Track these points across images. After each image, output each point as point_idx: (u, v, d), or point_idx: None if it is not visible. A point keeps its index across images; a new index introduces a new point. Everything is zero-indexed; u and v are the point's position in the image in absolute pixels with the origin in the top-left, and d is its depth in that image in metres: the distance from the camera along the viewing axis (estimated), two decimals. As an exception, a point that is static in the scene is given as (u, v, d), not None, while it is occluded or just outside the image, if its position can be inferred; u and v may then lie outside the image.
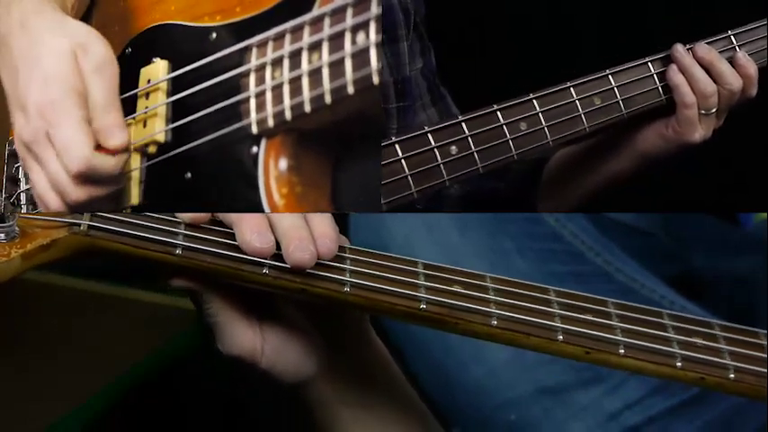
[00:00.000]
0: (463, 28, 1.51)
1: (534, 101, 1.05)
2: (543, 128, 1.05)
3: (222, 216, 0.89)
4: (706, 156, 1.41)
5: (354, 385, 0.96)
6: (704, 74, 1.10)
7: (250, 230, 0.87)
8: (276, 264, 0.87)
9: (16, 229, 0.86)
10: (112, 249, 0.87)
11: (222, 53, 0.98)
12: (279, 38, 0.93)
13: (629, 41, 1.15)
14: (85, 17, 1.11)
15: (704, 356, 0.90)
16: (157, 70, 1.03)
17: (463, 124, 1.02)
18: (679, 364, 0.89)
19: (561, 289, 0.92)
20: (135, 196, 1.03)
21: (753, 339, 0.92)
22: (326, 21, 0.89)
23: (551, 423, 1.32)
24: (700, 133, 1.12)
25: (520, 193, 1.20)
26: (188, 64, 1.00)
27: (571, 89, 1.07)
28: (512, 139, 1.03)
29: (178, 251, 0.87)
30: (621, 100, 1.09)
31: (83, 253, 0.88)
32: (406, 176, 0.99)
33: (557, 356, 0.90)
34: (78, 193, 0.97)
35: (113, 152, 0.98)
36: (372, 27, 0.85)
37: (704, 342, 0.90)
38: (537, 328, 0.89)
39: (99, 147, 0.97)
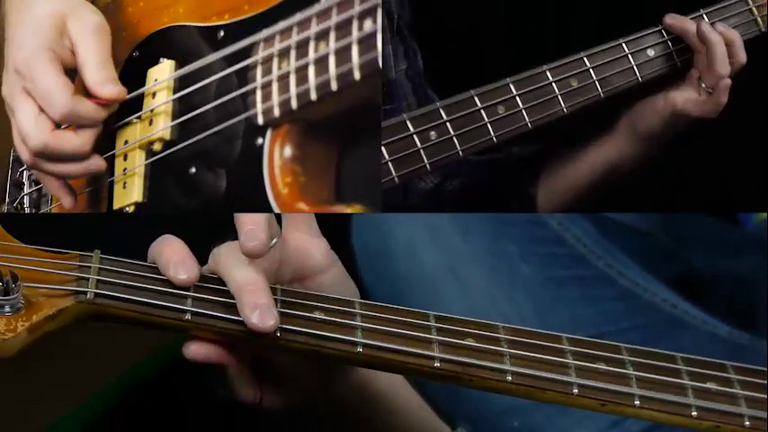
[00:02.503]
0: (448, 30, 1.52)
1: (511, 84, 1.06)
2: (521, 110, 1.06)
3: (226, 282, 0.87)
4: (707, 156, 1.43)
5: (344, 409, 0.95)
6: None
7: (250, 307, 0.85)
8: (288, 327, 0.86)
9: (21, 300, 0.83)
10: (120, 316, 0.85)
11: (229, 49, 0.99)
12: (286, 29, 0.94)
13: (604, 23, 1.17)
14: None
15: (719, 405, 0.89)
16: (164, 70, 1.03)
17: (441, 110, 1.03)
18: (694, 413, 0.89)
19: (574, 336, 0.90)
20: (139, 193, 1.04)
21: (764, 381, 0.91)
22: (334, 10, 0.89)
23: (554, 430, 1.32)
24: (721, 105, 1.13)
25: (519, 186, 1.20)
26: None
27: (547, 72, 1.08)
28: (490, 123, 1.04)
29: (187, 317, 0.85)
30: (597, 81, 1.10)
31: (89, 319, 0.86)
32: (387, 162, 1.00)
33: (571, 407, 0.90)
34: (40, 138, 0.99)
35: (104, 102, 1.01)
36: (379, 12, 0.86)
37: (719, 387, 0.90)
38: (552, 382, 0.88)
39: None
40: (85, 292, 0.84)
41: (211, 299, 0.86)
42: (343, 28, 0.89)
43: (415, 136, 1.01)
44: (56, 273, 0.85)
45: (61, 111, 0.99)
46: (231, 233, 0.89)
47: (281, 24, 0.94)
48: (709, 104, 1.12)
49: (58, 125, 1.01)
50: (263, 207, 0.95)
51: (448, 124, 1.03)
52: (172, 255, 0.86)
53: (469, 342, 0.88)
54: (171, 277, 0.85)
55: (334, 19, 0.89)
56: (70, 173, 1.04)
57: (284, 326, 0.86)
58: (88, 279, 0.85)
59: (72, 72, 1.02)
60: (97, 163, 1.03)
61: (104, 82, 1.01)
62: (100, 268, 0.85)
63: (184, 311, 0.85)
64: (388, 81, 1.16)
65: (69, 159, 1.02)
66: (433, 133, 1.02)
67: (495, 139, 1.04)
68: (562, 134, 1.16)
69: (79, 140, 1.02)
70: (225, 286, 0.86)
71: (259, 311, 0.84)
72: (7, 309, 0.82)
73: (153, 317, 0.85)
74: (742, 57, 1.13)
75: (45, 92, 0.99)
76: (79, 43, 1.01)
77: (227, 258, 0.87)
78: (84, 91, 1.02)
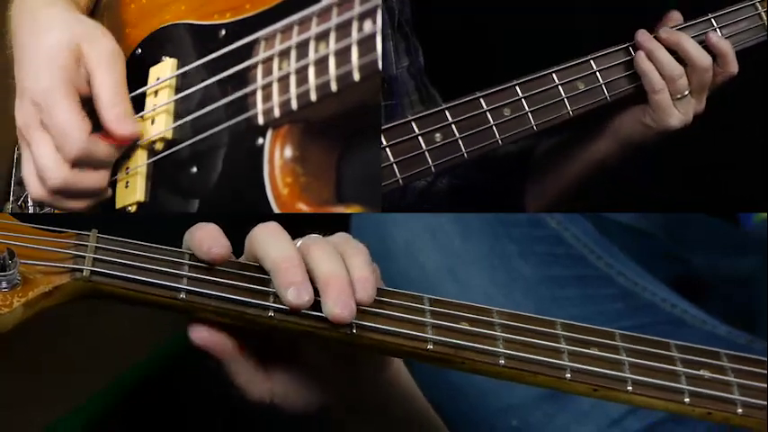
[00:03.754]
0: (450, 27, 1.52)
1: (517, 87, 1.06)
2: (527, 113, 1.06)
3: (260, 260, 0.87)
4: (708, 156, 1.42)
5: (372, 409, 0.94)
6: (669, 56, 1.11)
7: (286, 283, 0.85)
8: (282, 307, 0.86)
9: (18, 276, 0.83)
10: (116, 294, 0.86)
11: (230, 47, 0.99)
12: (287, 30, 0.94)
13: (610, 26, 1.16)
14: (95, 20, 1.13)
15: (712, 391, 0.90)
16: (166, 68, 1.04)
17: (446, 111, 1.03)
18: (687, 399, 0.89)
19: (568, 322, 0.91)
20: (141, 193, 1.04)
21: (760, 370, 0.91)
22: (334, 10, 0.90)
23: (553, 428, 1.31)
24: (677, 117, 1.12)
25: (507, 184, 1.20)
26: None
27: (553, 75, 1.08)
28: (495, 125, 1.04)
29: (182, 295, 0.85)
30: (604, 84, 1.10)
31: (85, 297, 0.86)
32: (392, 164, 0.99)
33: (564, 393, 0.90)
34: (60, 177, 1.00)
35: (116, 142, 1.00)
36: (378, 13, 0.86)
37: (712, 375, 0.90)
38: (545, 366, 0.88)
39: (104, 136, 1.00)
40: (82, 270, 0.85)
41: (207, 278, 0.86)
42: (344, 29, 0.89)
43: (420, 137, 1.01)
44: (53, 250, 0.86)
45: (77, 152, 0.99)
46: (233, 231, 0.90)
47: (282, 23, 0.95)
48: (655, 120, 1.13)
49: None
50: (263, 207, 0.96)
51: (453, 126, 1.03)
52: (205, 235, 0.86)
53: (463, 325, 0.89)
54: (205, 252, 0.85)
55: (335, 20, 0.89)
56: (82, 209, 1.04)
57: (279, 306, 0.86)
58: (85, 257, 0.85)
59: (88, 101, 1.02)
60: (106, 195, 1.04)
61: (120, 120, 1.00)
62: (97, 247, 0.86)
63: (179, 290, 0.85)
64: (389, 77, 1.16)
65: (87, 196, 1.03)
66: (438, 135, 1.02)
67: (500, 141, 1.04)
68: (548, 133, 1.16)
69: (99, 177, 1.02)
70: (222, 267, 0.87)
71: (294, 288, 0.84)
72: (4, 284, 0.83)
73: (148, 295, 0.85)
74: (732, 68, 1.13)
75: (62, 129, 0.99)
76: (94, 73, 1.00)
77: (261, 236, 0.87)
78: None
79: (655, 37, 1.12)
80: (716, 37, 1.12)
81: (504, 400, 1.33)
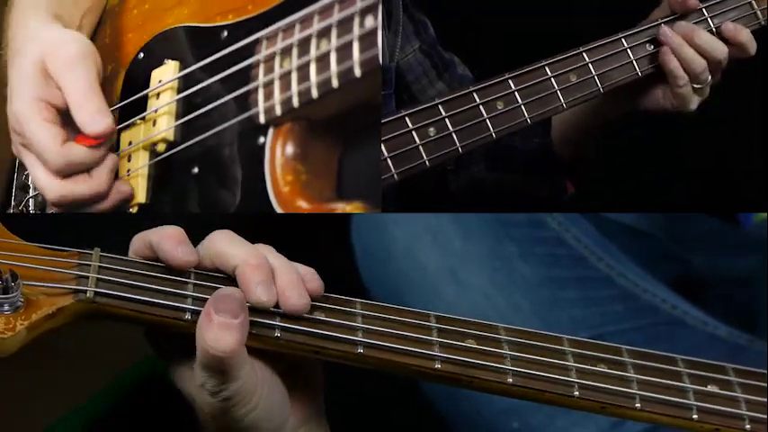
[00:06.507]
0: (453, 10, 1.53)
1: (510, 80, 1.06)
2: (520, 106, 1.06)
3: (220, 265, 0.87)
4: (708, 156, 1.43)
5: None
6: (693, 52, 1.11)
7: (255, 282, 0.85)
8: (289, 326, 0.86)
9: (21, 299, 0.82)
10: (120, 315, 0.85)
11: (231, 48, 0.99)
12: (288, 28, 0.94)
13: (603, 18, 1.16)
14: (98, 26, 1.13)
15: (720, 407, 0.90)
16: (168, 71, 1.04)
17: (440, 106, 1.02)
18: (695, 416, 0.89)
19: (575, 338, 0.91)
20: (142, 194, 1.04)
21: (764, 384, 0.91)
22: (336, 7, 0.90)
23: (554, 430, 1.31)
24: (696, 102, 1.13)
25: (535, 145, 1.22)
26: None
27: (546, 67, 1.08)
28: (489, 119, 1.04)
29: (187, 316, 0.85)
30: (597, 76, 1.09)
31: (89, 318, 0.85)
32: (386, 159, 0.99)
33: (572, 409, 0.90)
34: (55, 191, 0.99)
35: (94, 141, 0.99)
36: (379, 9, 0.86)
37: (719, 390, 0.90)
38: (553, 383, 0.88)
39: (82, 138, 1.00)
40: (85, 291, 0.84)
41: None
42: (345, 25, 0.89)
43: (413, 132, 1.01)
44: (55, 271, 0.85)
45: (55, 166, 0.98)
46: (234, 231, 0.90)
47: (284, 22, 0.95)
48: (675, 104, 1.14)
49: None
50: (265, 205, 0.96)
51: (447, 120, 1.02)
52: (175, 236, 0.87)
53: (470, 343, 0.88)
54: (176, 257, 0.85)
55: (336, 16, 0.90)
56: (99, 210, 1.03)
57: (285, 325, 0.86)
58: (88, 277, 0.84)
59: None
60: (121, 190, 1.03)
61: (90, 120, 0.98)
62: (100, 266, 0.85)
63: (184, 310, 0.85)
64: (382, 68, 1.16)
65: (92, 201, 1.01)
66: (431, 129, 1.02)
67: (494, 134, 1.04)
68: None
69: (94, 182, 1.00)
70: (226, 284, 0.86)
71: (263, 286, 0.85)
72: (6, 307, 0.82)
73: (153, 316, 0.85)
74: (751, 52, 1.13)
75: (37, 146, 0.99)
76: (60, 81, 0.99)
77: (225, 239, 0.87)
78: None
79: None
80: (729, 26, 1.12)
81: (505, 401, 1.33)
